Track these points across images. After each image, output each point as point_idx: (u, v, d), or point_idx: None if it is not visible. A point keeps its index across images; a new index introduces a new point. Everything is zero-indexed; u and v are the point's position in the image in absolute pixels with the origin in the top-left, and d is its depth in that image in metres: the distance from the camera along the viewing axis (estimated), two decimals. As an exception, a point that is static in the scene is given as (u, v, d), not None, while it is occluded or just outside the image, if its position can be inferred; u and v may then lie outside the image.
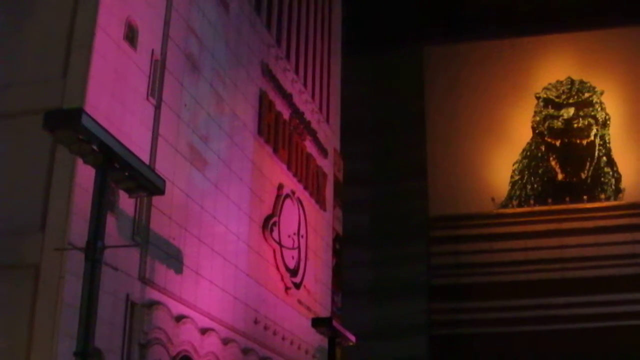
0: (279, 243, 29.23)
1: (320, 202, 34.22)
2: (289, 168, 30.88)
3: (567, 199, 44.42)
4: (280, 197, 29.81)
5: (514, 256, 43.60)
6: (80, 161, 13.95)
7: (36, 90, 18.48)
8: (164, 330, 20.56)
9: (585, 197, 44.32)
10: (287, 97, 31.05)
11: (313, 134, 33.73)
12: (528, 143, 45.99)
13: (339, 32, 40.21)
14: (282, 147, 30.15)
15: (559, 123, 45.29)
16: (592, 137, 45.15)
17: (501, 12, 45.68)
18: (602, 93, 45.47)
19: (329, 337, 26.91)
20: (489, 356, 41.87)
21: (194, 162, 23.13)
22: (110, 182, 13.96)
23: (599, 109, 45.39)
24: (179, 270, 21.62)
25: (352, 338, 27.62)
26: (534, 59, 46.71)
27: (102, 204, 13.61)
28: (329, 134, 36.52)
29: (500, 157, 45.79)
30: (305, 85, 34.18)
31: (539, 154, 45.71)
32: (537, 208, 44.75)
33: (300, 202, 31.81)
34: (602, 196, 44.38)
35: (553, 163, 45.35)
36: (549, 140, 45.47)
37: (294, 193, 31.14)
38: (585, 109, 45.38)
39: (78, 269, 14.33)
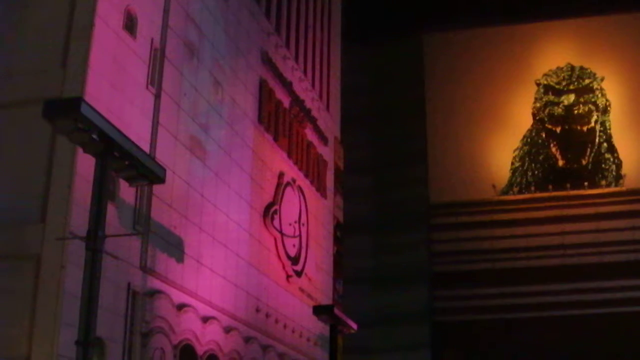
0: (280, 231, 29.25)
1: (321, 190, 34.23)
2: (289, 156, 30.87)
3: (568, 185, 44.44)
4: (281, 185, 29.82)
5: (515, 243, 43.64)
6: (80, 150, 13.92)
7: (36, 80, 18.46)
8: (165, 319, 20.60)
9: (586, 183, 44.34)
10: (287, 85, 31.02)
11: (313, 122, 33.71)
12: (528, 130, 45.99)
13: (339, 19, 40.15)
14: (282, 135, 30.14)
15: (560, 109, 45.28)
16: (592, 124, 45.14)
17: (501, -2, 45.66)
18: (602, 79, 45.45)
19: (331, 325, 26.89)
20: (491, 342, 41.96)
21: (195, 151, 23.12)
22: (111, 171, 13.93)
23: (600, 95, 45.37)
24: (180, 259, 21.64)
25: (354, 325, 27.61)
26: (534, 46, 46.65)
27: (102, 193, 13.59)
28: (329, 122, 36.50)
29: (501, 144, 45.79)
30: (305, 73, 34.13)
31: (540, 141, 45.70)
32: (538, 195, 44.78)
33: (301, 190, 31.82)
34: (603, 182, 44.41)
35: (554, 149, 45.35)
36: (550, 126, 45.47)
37: (294, 181, 31.14)
38: (586, 96, 45.37)
39: (79, 259, 14.31)
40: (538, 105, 45.86)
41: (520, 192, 45.20)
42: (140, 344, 19.46)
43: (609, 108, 45.38)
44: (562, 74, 45.84)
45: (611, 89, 45.41)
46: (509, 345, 41.54)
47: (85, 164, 15.72)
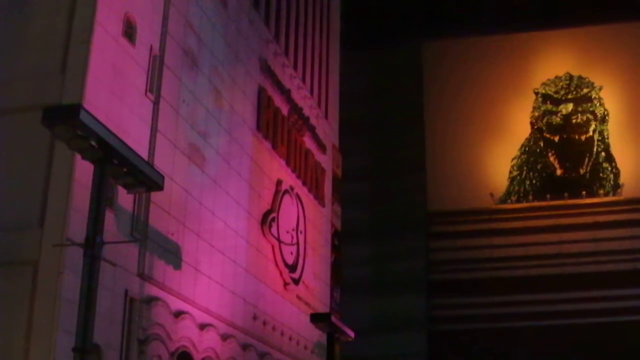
0: (278, 239, 29.23)
1: (319, 197, 34.22)
2: (287, 164, 30.87)
3: (566, 194, 44.49)
4: (279, 192, 29.81)
5: (512, 252, 43.67)
6: (78, 157, 13.96)
7: (34, 87, 18.46)
8: (162, 326, 20.58)
9: (584, 192, 44.39)
10: (286, 93, 31.04)
11: (312, 130, 33.73)
12: (527, 139, 46.06)
13: (338, 27, 40.18)
14: (280, 143, 30.14)
15: (558, 119, 45.36)
16: (590, 133, 45.22)
17: (500, 7, 45.69)
18: (600, 88, 45.52)
19: (328, 333, 26.95)
20: (488, 351, 41.95)
21: (193, 158, 23.12)
22: (109, 177, 13.97)
23: (598, 104, 45.46)
24: (177, 266, 21.62)
25: (351, 334, 27.64)
26: (533, 55, 46.74)
27: (100, 199, 13.62)
28: (328, 129, 36.52)
29: (499, 153, 45.84)
30: (303, 81, 34.16)
31: (538, 150, 45.76)
32: (536, 204, 44.82)
33: (299, 197, 31.81)
34: (601, 192, 44.45)
35: (552, 159, 45.41)
36: (548, 135, 45.54)
37: (292, 189, 31.14)
38: (584, 105, 45.46)
39: (77, 265, 14.34)
40: (536, 114, 45.94)
41: (518, 200, 45.25)
42: (137, 351, 19.43)
43: (607, 117, 45.46)
44: (561, 83, 45.92)
45: (609, 98, 45.49)
46: (507, 354, 41.54)
47: (84, 171, 15.73)
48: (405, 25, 46.70)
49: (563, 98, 45.68)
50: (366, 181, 45.76)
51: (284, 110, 30.80)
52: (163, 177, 15.24)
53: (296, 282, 30.73)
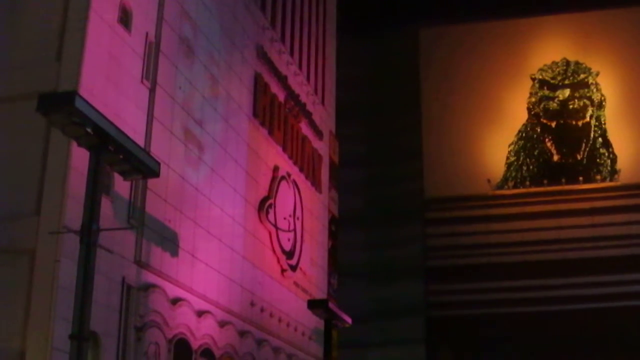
0: (275, 225, 29.25)
1: (316, 184, 34.24)
2: (284, 150, 30.86)
3: (563, 180, 44.47)
4: (276, 179, 29.80)
5: (510, 237, 43.66)
6: (74, 144, 13.92)
7: (30, 74, 18.41)
8: (160, 313, 20.60)
9: (580, 178, 44.37)
10: (282, 80, 31.01)
11: (308, 116, 33.70)
12: (523, 124, 45.98)
13: (334, 13, 40.11)
14: (277, 130, 30.13)
15: (555, 104, 45.26)
16: (587, 118, 45.13)
17: (497, -7, 45.60)
18: (597, 74, 45.41)
19: (325, 319, 26.98)
20: (486, 337, 42.00)
21: (189, 145, 23.11)
22: (105, 164, 13.95)
23: (595, 90, 45.34)
24: (174, 253, 21.64)
25: (348, 320, 27.69)
26: (530, 40, 46.63)
27: (96, 186, 13.60)
28: (325, 116, 36.49)
29: (496, 139, 45.78)
30: (300, 67, 34.11)
31: (535, 136, 45.71)
32: (533, 189, 44.80)
33: (295, 184, 31.81)
34: (598, 177, 44.42)
35: (549, 144, 45.36)
36: (545, 121, 45.46)
37: (289, 175, 31.14)
38: (581, 90, 45.34)
39: (73, 253, 14.33)
40: (533, 99, 45.86)
41: (515, 186, 45.21)
42: (134, 338, 19.46)
43: (604, 103, 45.38)
44: (558, 69, 45.82)
45: (606, 83, 45.41)
46: (505, 340, 41.56)
47: (80, 158, 15.72)
48: (401, 12, 46.56)
49: (560, 84, 45.58)
50: (363, 167, 45.74)
51: (281, 96, 30.77)
52: (159, 164, 15.23)
53: (293, 268, 30.77)
